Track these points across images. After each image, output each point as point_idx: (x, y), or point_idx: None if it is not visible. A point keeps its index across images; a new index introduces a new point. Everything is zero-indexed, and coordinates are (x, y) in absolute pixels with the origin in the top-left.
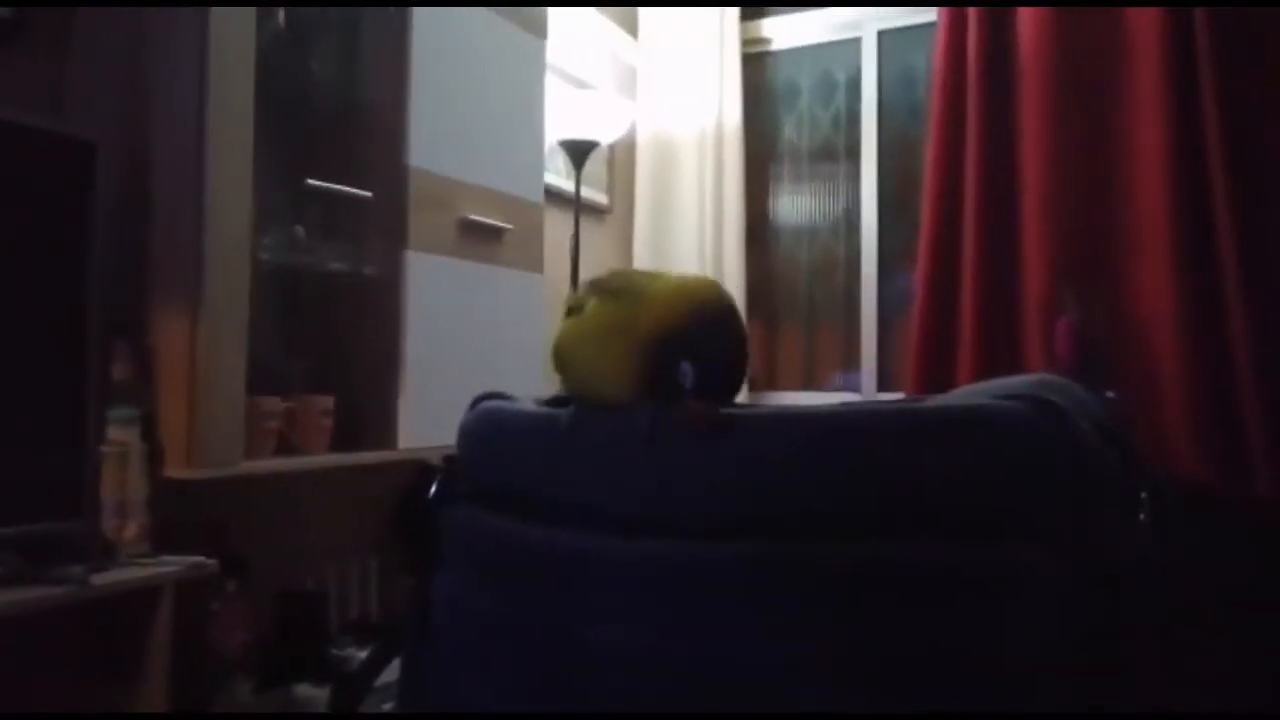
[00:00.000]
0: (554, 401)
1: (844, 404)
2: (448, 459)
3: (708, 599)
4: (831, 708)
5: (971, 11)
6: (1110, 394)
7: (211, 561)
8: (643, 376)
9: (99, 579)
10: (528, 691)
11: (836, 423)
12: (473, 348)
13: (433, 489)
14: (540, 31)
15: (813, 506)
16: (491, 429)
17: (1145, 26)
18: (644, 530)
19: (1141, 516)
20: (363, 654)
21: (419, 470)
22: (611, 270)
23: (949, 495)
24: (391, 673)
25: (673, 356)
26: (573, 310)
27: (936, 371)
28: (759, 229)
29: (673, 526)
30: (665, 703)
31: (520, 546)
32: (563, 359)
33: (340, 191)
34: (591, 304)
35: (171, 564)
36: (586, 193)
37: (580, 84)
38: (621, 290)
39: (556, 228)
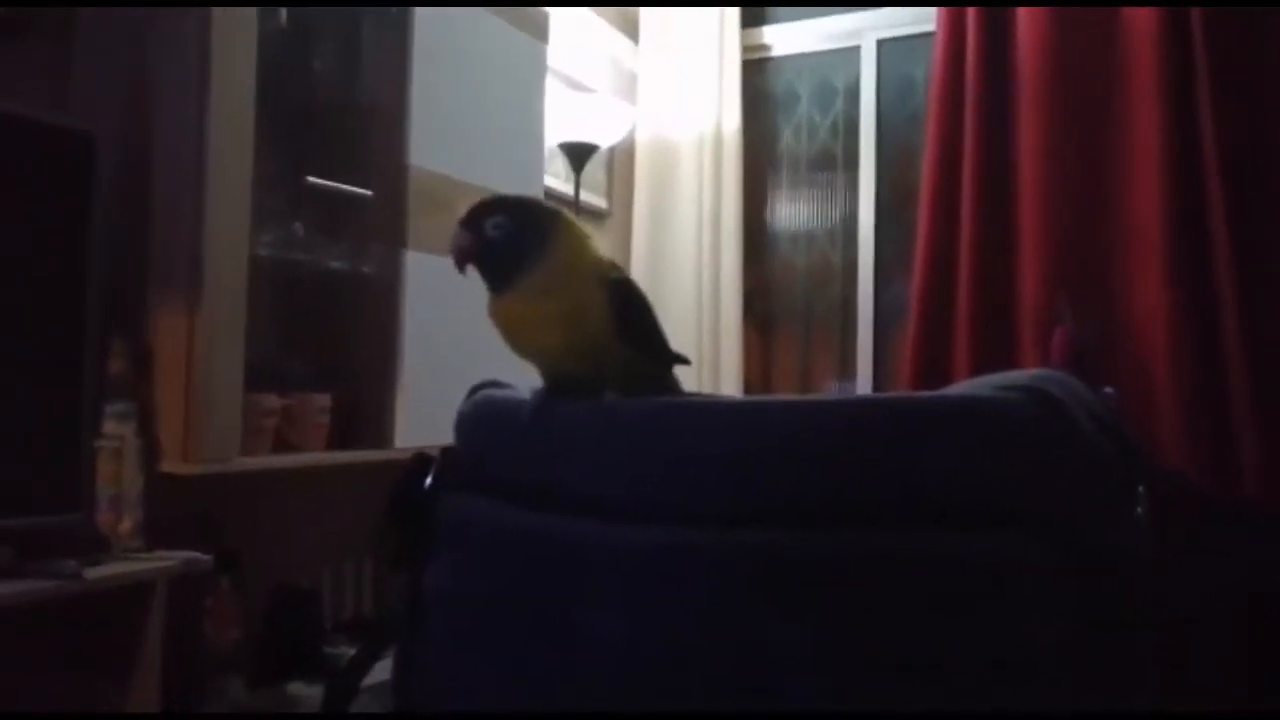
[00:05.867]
0: (551, 388)
1: (841, 395)
2: (445, 449)
3: (710, 589)
4: (831, 702)
5: (970, 22)
6: (1109, 389)
7: (205, 557)
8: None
9: (92, 573)
10: (526, 683)
11: (833, 412)
12: (470, 347)
13: (429, 478)
14: (541, 35)
15: (811, 496)
16: (488, 417)
17: (1143, 39)
18: (643, 518)
19: (1139, 510)
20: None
21: (415, 460)
22: None
23: (946, 487)
24: (385, 670)
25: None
26: None
27: (932, 379)
28: (757, 235)
29: (673, 515)
30: (665, 693)
31: (518, 535)
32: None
33: (340, 190)
34: None
35: (165, 559)
36: (585, 196)
37: (581, 88)
38: None
39: None
